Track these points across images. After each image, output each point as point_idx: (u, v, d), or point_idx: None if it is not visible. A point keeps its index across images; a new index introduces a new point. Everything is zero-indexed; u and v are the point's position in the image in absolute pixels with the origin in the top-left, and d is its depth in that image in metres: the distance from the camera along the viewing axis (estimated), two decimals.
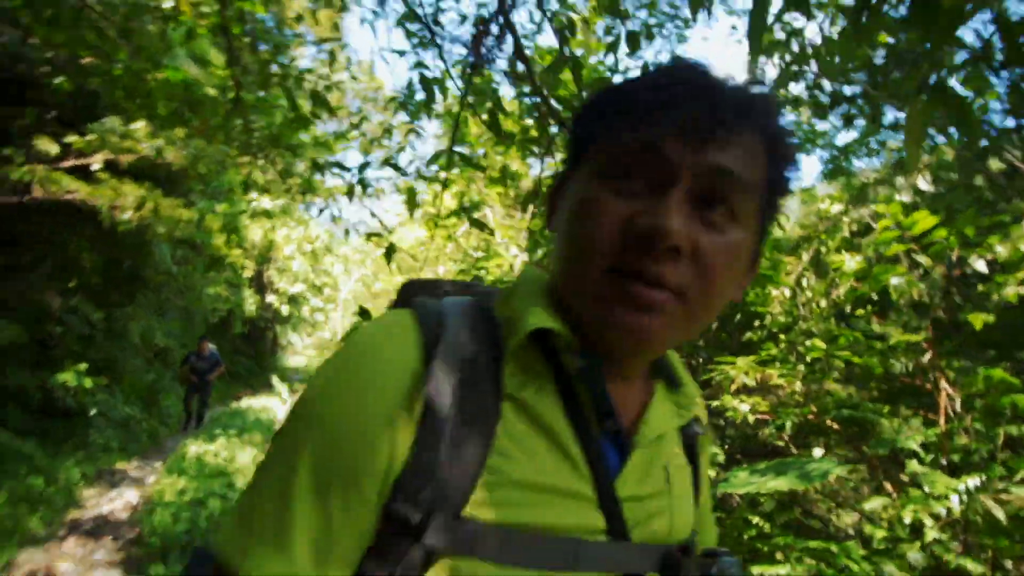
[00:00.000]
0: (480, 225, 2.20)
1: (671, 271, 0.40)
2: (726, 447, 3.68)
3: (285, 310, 14.57)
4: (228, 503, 4.66)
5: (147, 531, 3.94)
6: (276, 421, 9.96)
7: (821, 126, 6.49)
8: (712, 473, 2.70)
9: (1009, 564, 2.05)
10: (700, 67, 0.45)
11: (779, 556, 2.43)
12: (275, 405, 11.21)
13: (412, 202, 1.79)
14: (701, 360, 3.62)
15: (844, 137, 6.40)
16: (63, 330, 5.22)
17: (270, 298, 13.96)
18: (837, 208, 3.18)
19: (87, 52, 3.86)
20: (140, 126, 3.77)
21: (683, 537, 0.51)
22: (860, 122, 6.00)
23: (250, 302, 12.09)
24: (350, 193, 2.37)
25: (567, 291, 0.45)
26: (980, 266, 2.45)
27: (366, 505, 0.40)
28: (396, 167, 2.38)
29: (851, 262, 2.67)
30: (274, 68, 3.71)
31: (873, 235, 2.68)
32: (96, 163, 3.87)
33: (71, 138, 3.63)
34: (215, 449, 6.46)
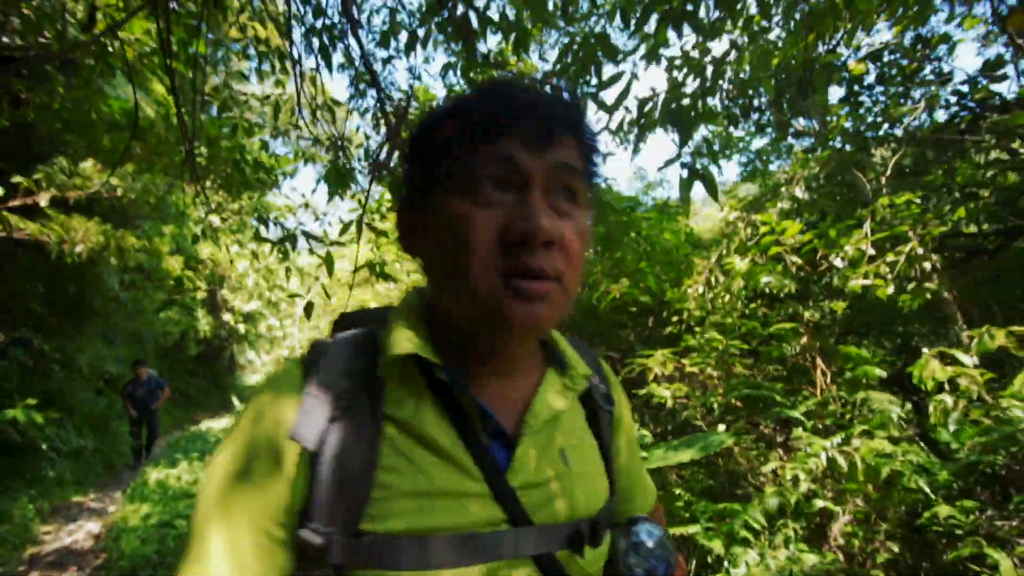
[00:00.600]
0: (387, 277, 2.61)
1: (548, 262, 0.46)
2: (656, 429, 4.14)
3: (241, 328, 14.27)
4: None
5: (115, 556, 4.00)
6: None
7: (738, 134, 7.12)
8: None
9: (859, 501, 2.53)
10: (521, 84, 0.53)
11: (687, 516, 2.85)
12: None
13: (330, 266, 2.10)
14: (621, 353, 4.05)
15: (759, 143, 7.05)
16: (8, 364, 5.14)
17: (225, 317, 13.65)
18: (735, 215, 3.68)
19: (21, 85, 3.90)
20: (88, 164, 3.85)
21: (595, 510, 0.55)
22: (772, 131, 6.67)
23: (203, 323, 11.83)
24: (283, 249, 2.70)
25: (455, 302, 0.49)
26: (838, 263, 2.97)
27: (277, 541, 0.46)
28: (312, 237, 2.73)
29: (740, 263, 3.15)
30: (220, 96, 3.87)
31: (756, 239, 3.18)
32: (43, 200, 3.92)
33: (17, 179, 3.67)
34: (177, 473, 6.43)
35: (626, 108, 1.48)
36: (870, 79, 4.81)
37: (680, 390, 3.54)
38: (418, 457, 0.48)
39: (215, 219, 7.59)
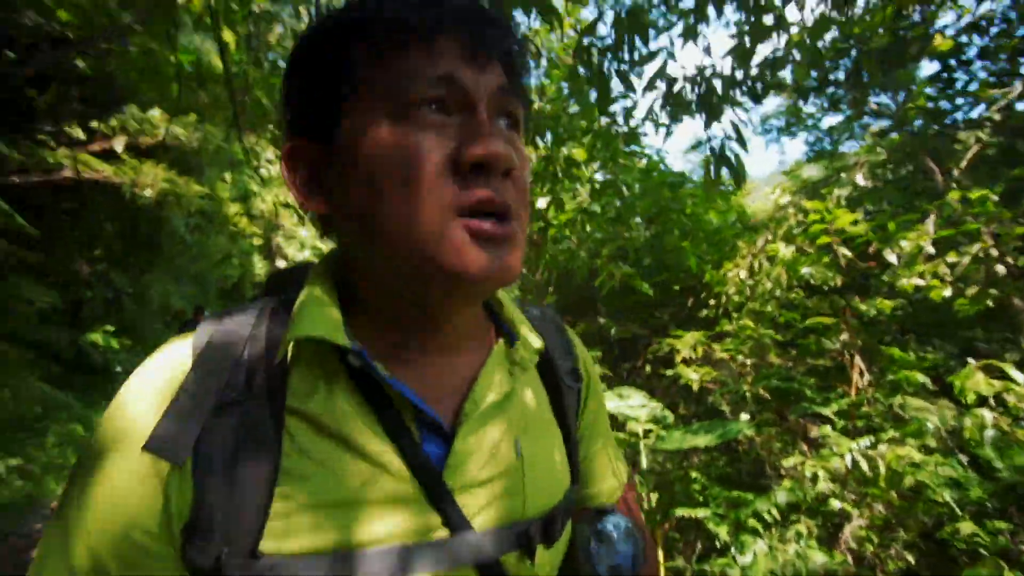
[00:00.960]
0: None
1: (509, 195, 0.39)
2: (680, 411, 4.11)
3: None
4: None
5: None
6: None
7: (810, 108, 6.59)
8: (653, 431, 3.11)
9: (880, 507, 2.45)
10: None
11: (700, 500, 2.87)
12: None
13: None
14: (652, 330, 4.00)
15: (831, 120, 6.50)
16: (91, 294, 5.72)
17: (280, 263, 14.45)
18: (786, 199, 3.47)
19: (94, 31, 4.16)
20: (156, 114, 4.11)
21: (552, 504, 0.47)
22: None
23: (259, 267, 12.59)
24: None
25: (392, 254, 0.39)
26: (892, 258, 2.77)
27: (162, 563, 0.37)
28: None
29: (785, 251, 3.00)
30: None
31: (806, 227, 3.00)
32: (119, 146, 4.24)
33: (95, 124, 3.99)
34: None
35: (656, 87, 1.41)
36: (971, 53, 4.29)
37: (709, 374, 3.49)
38: (330, 458, 0.39)
39: (270, 168, 7.94)
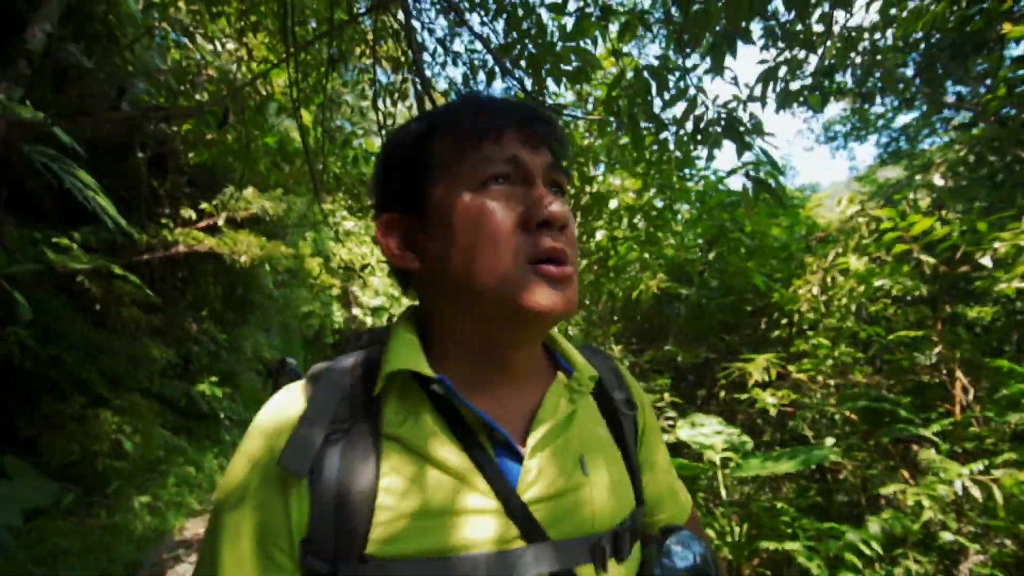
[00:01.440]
0: None
1: (564, 245, 0.49)
2: (762, 436, 3.88)
3: (369, 320, 16.00)
4: None
5: None
6: None
7: (877, 110, 6.25)
8: (731, 458, 2.98)
9: (1007, 541, 2.18)
10: (486, 96, 0.57)
11: (788, 532, 2.68)
12: None
13: None
14: (720, 355, 3.85)
15: (905, 119, 6.07)
16: (198, 349, 6.47)
17: (355, 311, 15.41)
18: (853, 209, 3.30)
19: (208, 130, 4.90)
20: (249, 192, 4.75)
21: (619, 521, 0.52)
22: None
23: (337, 315, 13.52)
24: None
25: (477, 296, 0.48)
26: (986, 261, 2.55)
27: (284, 570, 0.44)
28: None
29: (856, 263, 2.84)
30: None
31: (878, 236, 2.84)
32: (220, 220, 4.91)
33: (203, 204, 4.67)
34: None
35: (685, 127, 1.46)
36: None
37: (786, 397, 3.31)
38: (421, 476, 0.46)
39: (349, 223, 8.65)
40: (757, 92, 1.59)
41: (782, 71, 2.07)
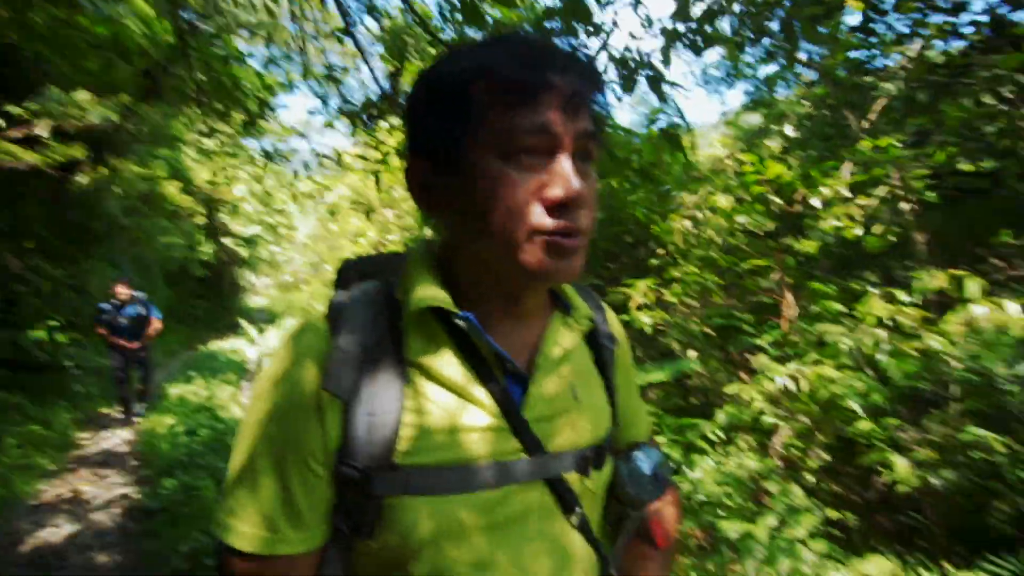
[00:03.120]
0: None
1: (579, 220, 0.51)
2: (637, 353, 4.47)
3: (243, 253, 14.47)
4: (215, 432, 5.18)
5: (150, 458, 4.50)
6: (248, 361, 10.35)
7: (749, 59, 6.83)
8: None
9: (805, 418, 2.88)
10: (546, 42, 0.54)
11: (659, 430, 3.23)
12: (245, 346, 11.50)
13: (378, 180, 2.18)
14: (606, 281, 4.27)
15: (767, 70, 6.79)
16: (25, 289, 5.40)
17: (226, 241, 13.80)
18: (723, 152, 3.73)
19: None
20: (83, 96, 3.81)
21: (599, 438, 0.62)
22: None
23: (204, 247, 12.02)
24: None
25: (493, 258, 0.53)
26: (815, 203, 3.10)
27: (319, 477, 0.51)
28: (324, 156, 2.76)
29: (724, 201, 3.28)
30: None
31: (742, 178, 3.28)
32: (43, 131, 3.93)
33: (12, 108, 3.66)
34: (194, 388, 6.92)
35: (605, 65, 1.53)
36: (887, 5, 4.57)
37: (660, 317, 3.81)
38: (441, 398, 0.53)
39: (211, 141, 7.49)
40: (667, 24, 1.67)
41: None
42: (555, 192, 0.50)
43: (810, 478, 2.58)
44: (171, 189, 6.82)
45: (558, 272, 0.52)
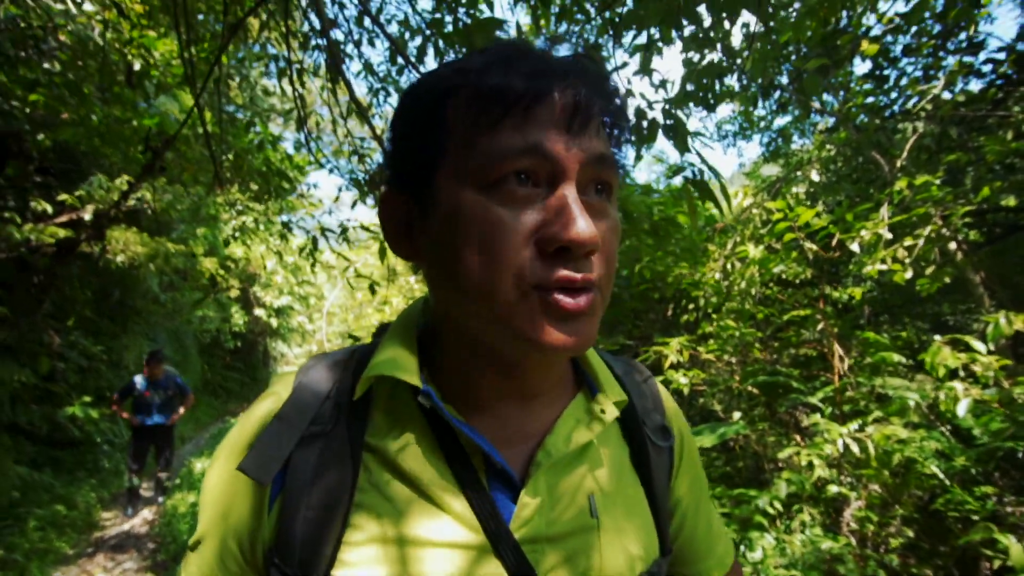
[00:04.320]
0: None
1: (589, 271, 0.38)
2: None
3: (273, 323, 14.82)
4: None
5: (167, 540, 4.33)
6: None
7: (760, 112, 6.93)
8: None
9: (876, 487, 2.54)
10: (532, 47, 0.42)
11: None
12: None
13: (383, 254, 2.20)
14: (638, 341, 4.08)
15: (782, 121, 6.88)
16: (64, 365, 5.54)
17: (257, 312, 14.19)
18: (748, 201, 3.64)
19: (64, 107, 4.15)
20: (123, 181, 4.10)
21: (638, 573, 0.45)
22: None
23: (237, 318, 12.36)
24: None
25: (475, 319, 0.40)
26: (855, 248, 2.93)
27: (241, 570, 0.43)
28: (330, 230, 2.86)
29: (754, 251, 3.14)
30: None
31: (771, 227, 3.16)
32: (87, 215, 4.20)
33: (62, 196, 3.95)
34: None
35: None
36: (897, 51, 4.62)
37: (697, 377, 3.58)
38: (400, 497, 0.41)
39: (246, 218, 7.90)
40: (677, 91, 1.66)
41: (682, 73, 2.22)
42: (556, 234, 0.37)
43: (895, 560, 2.22)
44: (207, 264, 7.11)
45: (561, 342, 0.38)
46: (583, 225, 0.37)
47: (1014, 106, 2.95)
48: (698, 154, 1.30)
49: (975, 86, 4.05)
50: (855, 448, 2.37)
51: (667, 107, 1.36)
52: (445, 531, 0.41)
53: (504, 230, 0.37)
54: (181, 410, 5.22)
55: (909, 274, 2.59)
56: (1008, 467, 2.13)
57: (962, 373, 2.07)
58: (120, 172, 4.23)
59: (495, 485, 0.43)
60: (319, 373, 0.46)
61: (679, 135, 1.32)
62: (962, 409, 1.85)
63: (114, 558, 4.20)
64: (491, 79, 0.38)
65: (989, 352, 1.98)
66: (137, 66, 3.45)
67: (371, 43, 2.72)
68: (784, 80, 5.99)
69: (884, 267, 2.67)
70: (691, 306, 3.91)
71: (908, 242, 2.62)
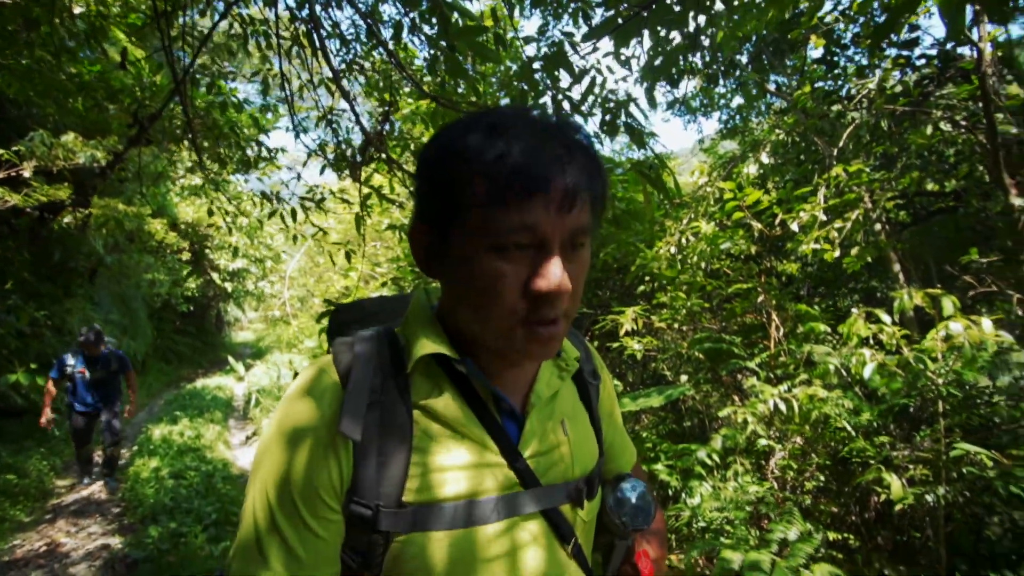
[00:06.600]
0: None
1: (561, 309, 0.54)
2: (629, 379, 4.49)
3: (228, 287, 14.30)
4: (203, 475, 5.03)
5: (133, 505, 4.33)
6: (235, 398, 10.11)
7: (720, 90, 7.12)
8: None
9: (798, 439, 2.90)
10: (545, 128, 0.53)
11: (652, 455, 3.23)
12: (230, 383, 11.21)
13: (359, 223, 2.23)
14: (596, 309, 4.32)
15: (740, 100, 7.13)
16: (2, 331, 5.27)
17: (212, 275, 13.63)
18: (703, 180, 3.86)
19: None
20: (70, 138, 3.82)
21: (589, 470, 0.66)
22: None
23: (189, 282, 11.86)
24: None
25: (477, 331, 0.56)
26: (795, 227, 3.21)
27: (334, 514, 0.54)
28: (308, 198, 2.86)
29: (706, 227, 3.37)
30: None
31: (722, 204, 3.39)
32: (27, 172, 3.92)
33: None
34: (180, 429, 6.72)
35: (592, 111, 1.60)
36: (848, 39, 4.86)
37: (651, 343, 3.85)
38: (444, 438, 0.57)
39: (197, 180, 7.50)
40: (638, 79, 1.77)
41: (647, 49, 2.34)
42: (540, 286, 0.51)
43: (808, 499, 2.59)
44: (156, 226, 6.76)
45: (538, 356, 0.56)
46: (558, 281, 0.51)
47: (933, 104, 3.25)
48: (651, 150, 1.43)
49: (911, 79, 4.37)
50: (783, 407, 2.69)
51: (628, 108, 1.47)
52: (478, 456, 0.58)
53: (504, 282, 0.52)
54: (129, 407, 4.83)
55: (837, 253, 2.88)
56: (902, 420, 2.50)
57: (871, 341, 2.39)
58: (63, 128, 3.94)
59: (505, 421, 0.61)
60: (363, 354, 0.59)
61: (636, 133, 1.45)
62: (867, 372, 2.16)
63: (76, 523, 4.18)
64: (500, 171, 0.50)
65: (894, 323, 2.28)
66: (79, 9, 3.20)
67: (339, 6, 2.65)
68: (744, 60, 6.19)
69: (817, 247, 2.95)
70: (647, 277, 4.15)
71: (839, 224, 2.90)
